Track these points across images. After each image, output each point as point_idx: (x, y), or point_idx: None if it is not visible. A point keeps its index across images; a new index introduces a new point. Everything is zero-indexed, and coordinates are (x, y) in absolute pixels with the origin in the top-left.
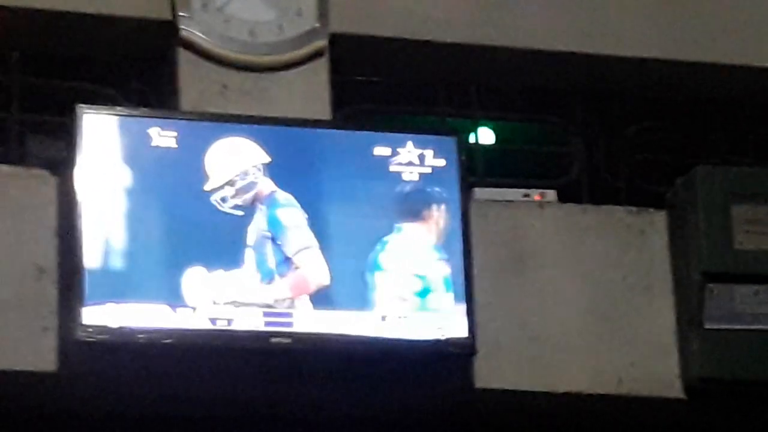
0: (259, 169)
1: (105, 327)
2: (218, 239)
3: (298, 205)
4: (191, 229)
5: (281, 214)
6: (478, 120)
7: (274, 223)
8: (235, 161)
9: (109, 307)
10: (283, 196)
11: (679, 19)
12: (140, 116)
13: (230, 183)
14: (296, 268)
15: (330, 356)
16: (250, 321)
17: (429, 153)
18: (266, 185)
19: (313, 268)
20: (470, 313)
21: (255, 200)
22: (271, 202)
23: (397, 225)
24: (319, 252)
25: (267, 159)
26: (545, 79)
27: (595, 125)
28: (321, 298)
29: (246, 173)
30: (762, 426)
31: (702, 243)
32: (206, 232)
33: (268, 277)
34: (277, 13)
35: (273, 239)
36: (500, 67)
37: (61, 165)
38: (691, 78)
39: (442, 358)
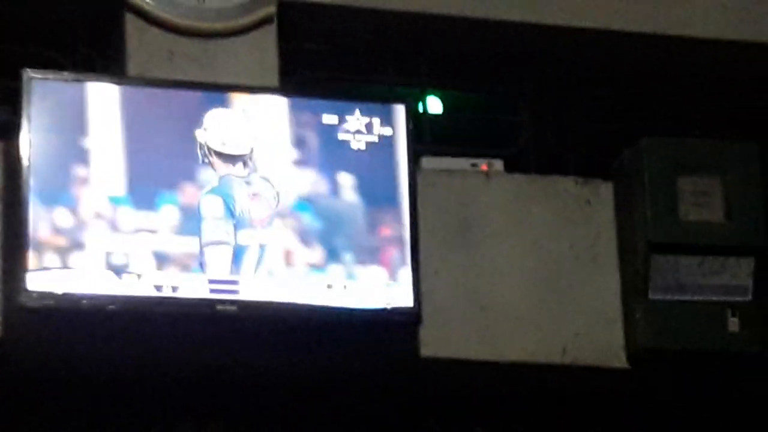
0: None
1: (49, 293)
2: None
3: (229, 192)
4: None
5: (203, 202)
6: (426, 89)
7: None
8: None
9: (54, 273)
10: (215, 179)
11: None
12: (87, 81)
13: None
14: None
15: (275, 324)
16: (195, 288)
17: (376, 121)
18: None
19: (215, 265)
20: (416, 282)
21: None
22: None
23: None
24: (227, 249)
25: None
26: (494, 49)
27: (543, 95)
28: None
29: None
30: (705, 395)
31: (648, 214)
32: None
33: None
34: None
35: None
36: (449, 36)
37: (7, 130)
38: (640, 49)
39: (388, 326)
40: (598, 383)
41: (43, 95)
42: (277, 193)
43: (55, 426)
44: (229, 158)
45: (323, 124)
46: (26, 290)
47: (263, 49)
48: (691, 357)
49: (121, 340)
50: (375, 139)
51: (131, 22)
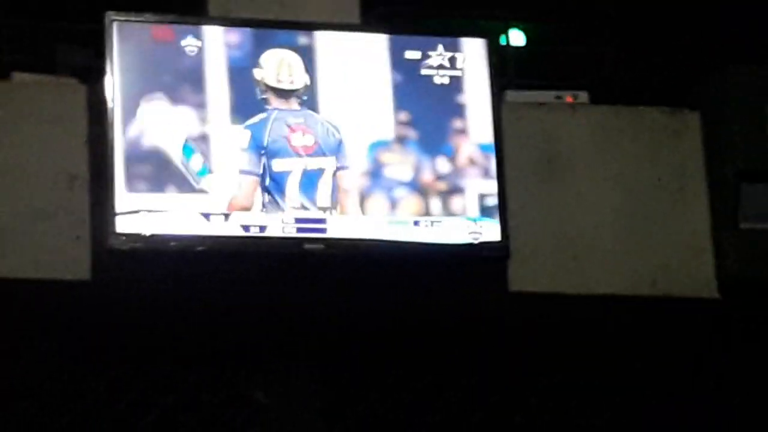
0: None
1: (138, 235)
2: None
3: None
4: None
5: (234, 135)
6: (509, 22)
7: None
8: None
9: (142, 215)
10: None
11: None
12: (169, 22)
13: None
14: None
15: (363, 261)
16: (283, 227)
17: (459, 56)
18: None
19: (238, 193)
20: (503, 217)
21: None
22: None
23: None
24: (253, 180)
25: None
26: None
27: (626, 24)
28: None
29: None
30: None
31: (736, 142)
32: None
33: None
34: None
35: None
36: None
37: (91, 73)
38: None
39: (476, 262)
40: (689, 314)
41: (125, 38)
42: (336, 127)
43: (143, 367)
44: (282, 93)
45: (406, 60)
46: (115, 233)
47: None
48: None
49: (208, 282)
50: (459, 73)
51: None
